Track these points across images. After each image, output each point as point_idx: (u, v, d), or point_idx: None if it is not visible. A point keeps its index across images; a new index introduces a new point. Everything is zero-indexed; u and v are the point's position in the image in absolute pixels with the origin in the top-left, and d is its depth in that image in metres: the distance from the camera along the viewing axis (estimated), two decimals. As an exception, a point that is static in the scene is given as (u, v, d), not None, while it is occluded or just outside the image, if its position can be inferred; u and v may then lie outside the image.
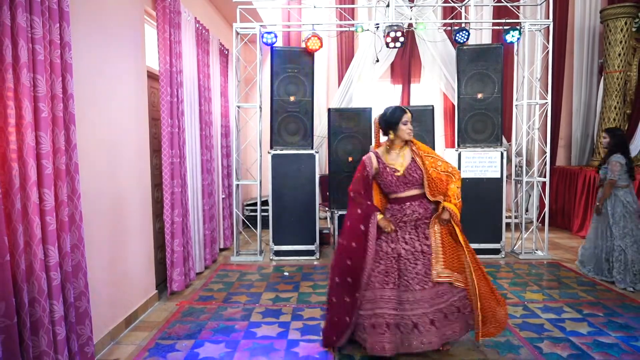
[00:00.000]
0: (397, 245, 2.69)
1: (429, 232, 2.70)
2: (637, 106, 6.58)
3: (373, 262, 2.67)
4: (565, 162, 7.48)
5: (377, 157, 2.78)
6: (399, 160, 2.75)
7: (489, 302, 2.66)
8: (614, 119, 6.46)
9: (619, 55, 6.35)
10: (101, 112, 2.96)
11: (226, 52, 5.83)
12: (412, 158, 2.74)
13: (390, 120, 2.73)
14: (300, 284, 4.25)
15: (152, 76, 4.02)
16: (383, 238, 2.72)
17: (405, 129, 2.71)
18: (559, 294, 3.91)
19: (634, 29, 6.35)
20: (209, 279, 4.42)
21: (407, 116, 2.71)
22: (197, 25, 4.59)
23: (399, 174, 2.70)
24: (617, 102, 6.44)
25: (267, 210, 5.28)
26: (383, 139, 2.88)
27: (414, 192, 2.73)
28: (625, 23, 6.27)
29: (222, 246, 5.60)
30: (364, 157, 2.81)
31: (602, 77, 6.65)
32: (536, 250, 5.35)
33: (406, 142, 2.78)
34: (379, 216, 2.72)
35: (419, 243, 2.68)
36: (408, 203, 2.72)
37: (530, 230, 5.56)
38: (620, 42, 6.31)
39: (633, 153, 6.66)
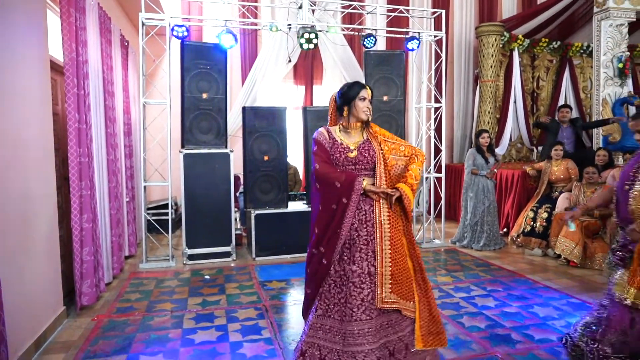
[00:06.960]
0: (346, 265, 2.32)
1: (376, 250, 2.30)
2: (504, 111, 7.67)
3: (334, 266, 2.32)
4: (448, 160, 8.37)
5: (328, 132, 2.45)
6: (353, 139, 2.44)
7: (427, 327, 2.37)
8: (488, 122, 7.43)
9: (491, 66, 7.33)
10: (3, 103, 2.55)
11: (126, 44, 5.38)
12: (368, 138, 2.44)
13: (346, 95, 2.40)
14: (226, 286, 4.12)
15: (52, 66, 3.55)
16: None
17: (362, 106, 2.38)
18: (464, 275, 4.41)
19: (500, 45, 7.40)
20: (123, 289, 4.05)
21: (366, 92, 2.40)
22: (100, 11, 4.17)
23: (351, 154, 2.37)
24: (490, 108, 7.43)
25: (171, 213, 5.02)
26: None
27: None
28: (495, 40, 7.26)
29: (126, 253, 5.15)
30: (314, 135, 2.48)
31: (478, 86, 7.61)
32: (434, 239, 5.92)
33: (363, 124, 2.47)
34: (365, 181, 2.32)
35: (367, 263, 2.30)
36: None
37: (429, 221, 6.14)
38: (492, 55, 7.29)
39: (501, 152, 7.78)
